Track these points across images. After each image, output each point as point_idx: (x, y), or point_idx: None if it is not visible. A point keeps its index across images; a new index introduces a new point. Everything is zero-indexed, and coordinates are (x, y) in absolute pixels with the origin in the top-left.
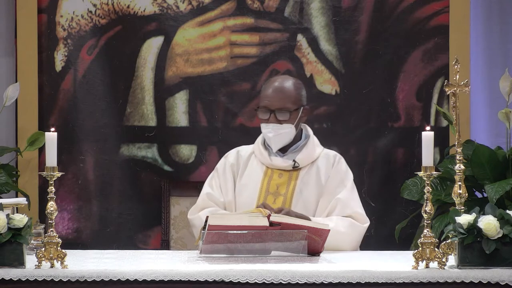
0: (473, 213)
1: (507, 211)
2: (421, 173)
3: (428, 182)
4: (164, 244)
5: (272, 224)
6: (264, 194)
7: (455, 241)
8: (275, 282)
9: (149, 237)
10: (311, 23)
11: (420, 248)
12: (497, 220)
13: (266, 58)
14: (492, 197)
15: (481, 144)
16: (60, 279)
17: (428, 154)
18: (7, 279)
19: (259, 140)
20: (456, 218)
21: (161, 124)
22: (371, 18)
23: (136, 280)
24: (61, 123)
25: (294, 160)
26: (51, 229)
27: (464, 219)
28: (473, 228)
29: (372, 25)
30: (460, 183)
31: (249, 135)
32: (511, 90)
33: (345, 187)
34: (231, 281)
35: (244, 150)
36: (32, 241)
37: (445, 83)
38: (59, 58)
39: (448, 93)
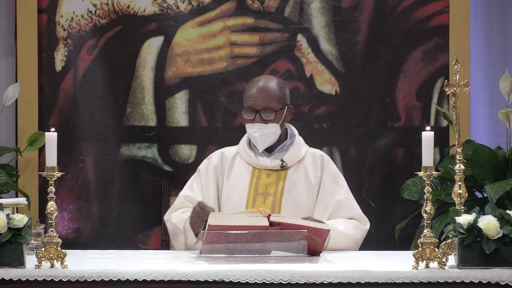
0: (473, 213)
1: (507, 211)
2: (421, 173)
3: (428, 182)
4: (164, 244)
5: (272, 224)
6: (253, 194)
7: (455, 241)
8: (275, 282)
9: (149, 237)
10: (311, 23)
11: (420, 248)
12: (497, 220)
13: (266, 58)
14: (492, 197)
15: (481, 144)
16: (60, 279)
17: (428, 154)
18: (7, 279)
19: (243, 140)
20: (456, 218)
21: (161, 124)
22: (371, 18)
23: (136, 280)
24: (61, 123)
25: (282, 160)
26: (51, 229)
27: (464, 219)
28: (473, 228)
29: (372, 25)
30: (460, 183)
31: None
32: (511, 90)
33: (342, 187)
34: (231, 281)
35: (228, 151)
36: (32, 241)
37: (445, 83)
38: (59, 58)
39: (448, 93)
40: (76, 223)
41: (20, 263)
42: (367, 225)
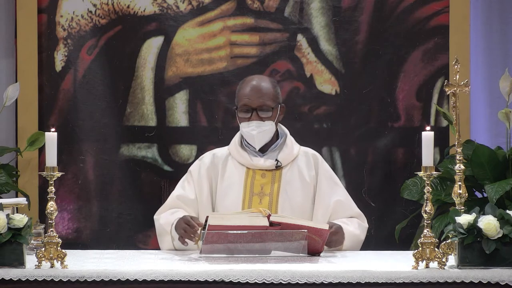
0: (473, 213)
1: (507, 211)
2: (421, 173)
3: (428, 182)
4: None
5: (272, 224)
6: (249, 195)
7: (455, 241)
8: (275, 282)
9: (149, 237)
10: (311, 23)
11: (420, 248)
12: (497, 220)
13: (266, 58)
14: (492, 197)
15: (481, 144)
16: (60, 279)
17: (428, 154)
18: (7, 279)
19: (235, 141)
20: (456, 218)
21: (161, 124)
22: (371, 18)
23: (136, 280)
24: (61, 123)
25: (276, 160)
26: (51, 229)
27: (464, 219)
28: (473, 228)
29: (372, 25)
30: (460, 183)
31: None
32: (511, 90)
33: (339, 186)
34: (231, 281)
35: (219, 152)
36: (32, 241)
37: (445, 83)
38: (59, 58)
39: (448, 93)
40: (76, 223)
41: (20, 263)
42: (366, 223)
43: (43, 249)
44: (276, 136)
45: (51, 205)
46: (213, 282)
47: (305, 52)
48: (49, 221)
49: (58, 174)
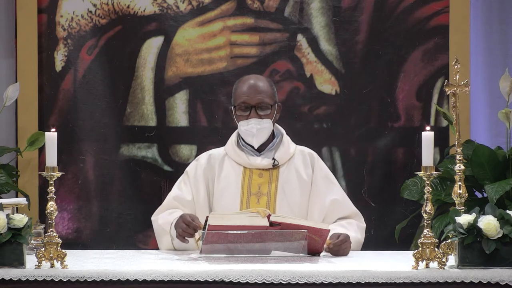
0: (473, 213)
1: (507, 211)
2: (421, 173)
3: (428, 182)
4: None
5: (272, 224)
6: (247, 195)
7: (455, 241)
8: (275, 282)
9: (149, 237)
10: (311, 23)
11: (420, 248)
12: (497, 220)
13: (266, 58)
14: (492, 197)
15: (481, 144)
16: (60, 279)
17: (428, 154)
18: (7, 279)
19: (231, 141)
20: (456, 218)
21: (161, 124)
22: (371, 18)
23: (136, 280)
24: (61, 123)
25: (273, 158)
26: (51, 229)
27: (464, 219)
28: (473, 228)
29: (372, 25)
30: (460, 183)
31: None
32: (511, 90)
33: (335, 185)
34: (231, 281)
35: (216, 152)
36: (32, 241)
37: (445, 83)
38: (59, 58)
39: (448, 93)
40: (76, 223)
41: (20, 263)
42: (364, 222)
43: (43, 249)
44: (273, 135)
45: (51, 205)
46: (213, 282)
47: (305, 52)
48: (49, 221)
49: (58, 174)
